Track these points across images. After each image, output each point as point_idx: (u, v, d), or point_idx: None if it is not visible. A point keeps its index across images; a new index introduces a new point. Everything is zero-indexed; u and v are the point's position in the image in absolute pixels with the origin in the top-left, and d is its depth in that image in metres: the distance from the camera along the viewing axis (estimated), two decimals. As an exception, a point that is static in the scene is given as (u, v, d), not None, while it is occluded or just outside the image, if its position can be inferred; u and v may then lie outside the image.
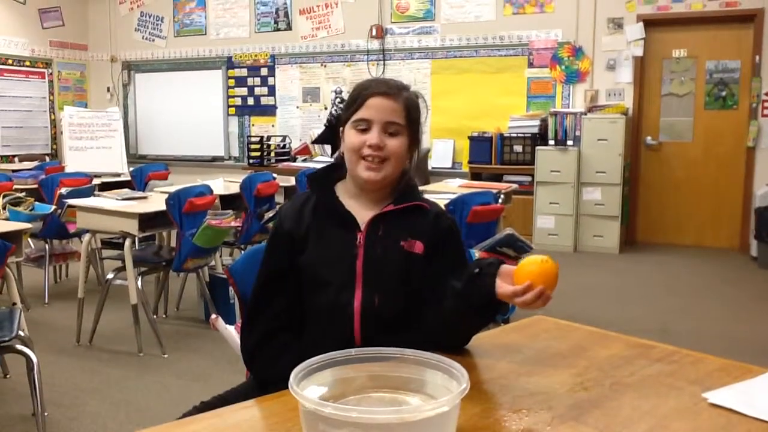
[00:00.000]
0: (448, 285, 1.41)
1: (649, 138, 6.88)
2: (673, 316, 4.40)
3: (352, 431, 0.89)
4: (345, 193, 1.55)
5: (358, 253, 1.47)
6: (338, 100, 7.82)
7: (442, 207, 1.64)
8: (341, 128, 1.54)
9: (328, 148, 7.58)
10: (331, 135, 1.51)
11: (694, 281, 5.41)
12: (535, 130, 6.72)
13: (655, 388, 1.28)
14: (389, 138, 1.47)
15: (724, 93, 6.58)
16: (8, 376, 3.36)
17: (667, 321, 4.26)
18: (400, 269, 1.48)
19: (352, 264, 1.47)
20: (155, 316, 4.17)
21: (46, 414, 2.82)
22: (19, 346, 2.64)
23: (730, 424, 1.13)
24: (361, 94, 1.51)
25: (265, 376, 1.48)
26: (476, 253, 2.84)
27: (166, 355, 3.68)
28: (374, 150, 1.45)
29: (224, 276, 4.18)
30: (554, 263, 1.33)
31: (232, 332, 1.83)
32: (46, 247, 4.76)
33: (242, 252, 3.89)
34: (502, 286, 1.32)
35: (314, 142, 7.80)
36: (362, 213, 1.51)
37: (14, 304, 2.90)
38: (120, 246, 4.21)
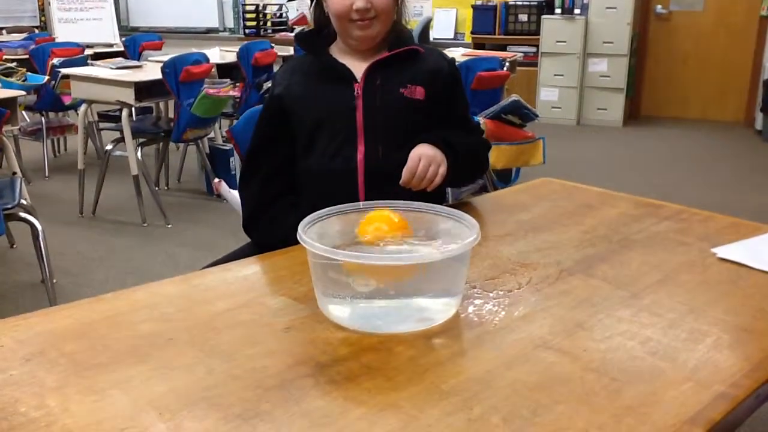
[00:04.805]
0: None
1: (659, 7, 6.62)
2: (675, 188, 4.40)
3: (362, 277, 0.88)
4: (339, 52, 1.50)
5: (357, 105, 1.43)
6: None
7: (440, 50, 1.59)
8: None
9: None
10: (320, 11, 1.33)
11: (698, 154, 5.38)
12: (542, -2, 6.47)
13: (664, 244, 1.28)
14: None
15: (741, -43, 6.28)
16: (14, 246, 3.39)
17: (669, 192, 4.25)
18: (403, 117, 1.45)
19: (351, 117, 1.43)
20: (157, 188, 4.17)
21: (54, 281, 2.87)
22: (23, 214, 2.64)
23: (738, 276, 1.13)
24: None
25: (266, 240, 1.45)
26: (481, 120, 2.79)
27: (169, 225, 3.71)
28: (362, 14, 1.39)
29: (224, 147, 4.14)
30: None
31: (235, 195, 1.81)
32: (43, 120, 4.68)
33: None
34: None
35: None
36: (358, 66, 1.46)
37: (14, 173, 2.87)
38: (117, 119, 4.14)
